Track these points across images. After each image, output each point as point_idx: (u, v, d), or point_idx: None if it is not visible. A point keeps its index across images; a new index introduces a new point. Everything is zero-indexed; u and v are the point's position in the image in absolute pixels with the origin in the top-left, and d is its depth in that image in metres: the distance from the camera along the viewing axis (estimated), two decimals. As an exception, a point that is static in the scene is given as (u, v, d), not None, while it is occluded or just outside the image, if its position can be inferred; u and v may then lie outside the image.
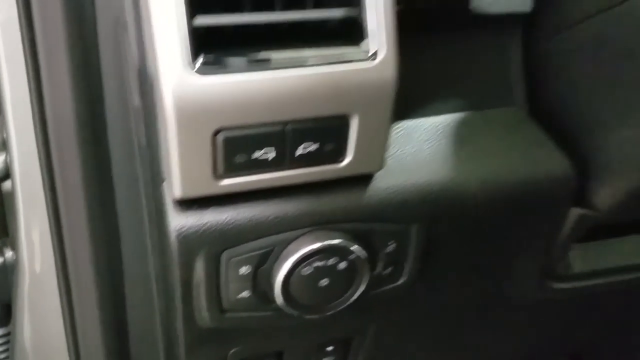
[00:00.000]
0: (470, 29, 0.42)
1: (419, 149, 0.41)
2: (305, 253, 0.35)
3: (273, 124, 0.31)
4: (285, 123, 0.31)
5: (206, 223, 0.34)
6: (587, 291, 0.51)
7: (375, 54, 0.31)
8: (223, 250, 0.35)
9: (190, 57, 0.28)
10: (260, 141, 0.31)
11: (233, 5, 0.29)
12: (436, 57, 0.43)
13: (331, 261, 0.36)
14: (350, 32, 0.31)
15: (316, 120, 0.32)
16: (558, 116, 0.43)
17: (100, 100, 0.38)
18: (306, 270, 0.36)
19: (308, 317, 0.39)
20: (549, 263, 0.47)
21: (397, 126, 0.42)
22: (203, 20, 0.28)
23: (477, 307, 0.50)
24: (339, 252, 0.36)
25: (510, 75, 0.44)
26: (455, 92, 0.43)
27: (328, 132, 0.32)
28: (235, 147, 0.31)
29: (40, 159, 0.40)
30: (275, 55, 0.30)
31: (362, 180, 0.37)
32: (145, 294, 0.43)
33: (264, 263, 0.36)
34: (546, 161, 0.41)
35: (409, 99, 0.42)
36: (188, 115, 0.29)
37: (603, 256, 0.51)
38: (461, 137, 0.42)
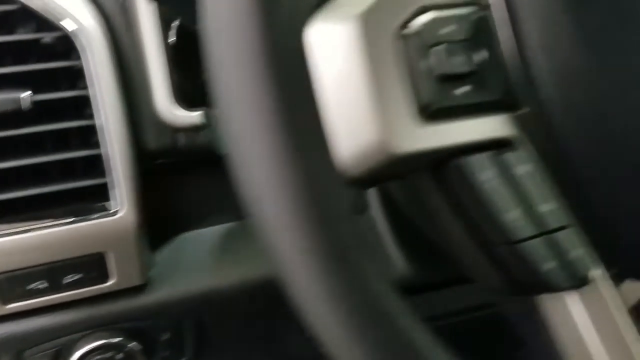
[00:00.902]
0: None
1: (195, 256, 0.53)
2: (87, 350, 0.47)
3: (40, 265, 0.43)
4: (52, 263, 0.43)
5: (5, 332, 0.45)
6: None
7: (116, 212, 0.43)
8: (24, 350, 0.46)
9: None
10: (33, 277, 0.43)
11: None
12: (214, 180, 0.55)
13: (109, 354, 0.48)
14: (100, 194, 0.43)
15: (76, 258, 0.44)
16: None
17: None
18: (91, 362, 0.48)
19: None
20: None
21: (182, 236, 0.54)
22: None
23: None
24: (116, 347, 0.48)
25: None
26: (229, 206, 0.56)
27: (88, 265, 0.44)
28: (13, 283, 0.42)
29: None
30: (41, 214, 0.42)
31: (135, 288, 0.49)
32: None
33: (59, 358, 0.47)
34: None
35: (192, 215, 0.55)
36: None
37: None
38: (229, 242, 0.54)
